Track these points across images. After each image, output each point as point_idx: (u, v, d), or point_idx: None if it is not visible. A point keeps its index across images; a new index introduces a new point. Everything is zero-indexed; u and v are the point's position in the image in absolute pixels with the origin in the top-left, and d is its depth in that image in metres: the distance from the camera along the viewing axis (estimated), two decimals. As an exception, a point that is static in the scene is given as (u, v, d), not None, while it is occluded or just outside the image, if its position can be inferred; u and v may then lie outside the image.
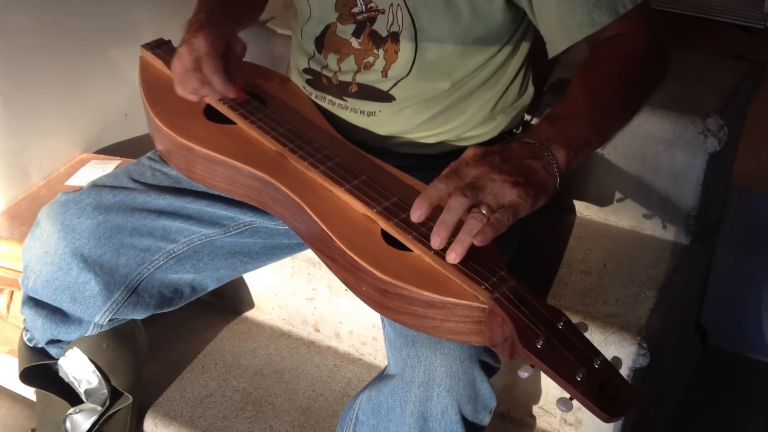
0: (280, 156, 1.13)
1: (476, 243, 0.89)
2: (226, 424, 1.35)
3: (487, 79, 1.21)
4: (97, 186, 1.22)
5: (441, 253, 0.93)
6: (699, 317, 1.78)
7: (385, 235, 0.99)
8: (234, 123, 1.20)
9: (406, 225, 0.97)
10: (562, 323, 0.86)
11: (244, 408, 1.38)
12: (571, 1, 1.06)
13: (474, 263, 0.92)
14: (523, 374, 0.85)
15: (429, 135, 1.24)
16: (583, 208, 1.47)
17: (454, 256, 0.90)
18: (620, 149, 1.38)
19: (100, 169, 1.53)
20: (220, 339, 1.55)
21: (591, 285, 1.29)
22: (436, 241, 0.90)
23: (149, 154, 1.29)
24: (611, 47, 1.08)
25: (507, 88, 1.25)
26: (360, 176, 1.06)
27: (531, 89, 1.31)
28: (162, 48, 1.35)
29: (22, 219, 1.45)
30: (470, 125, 1.24)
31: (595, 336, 1.20)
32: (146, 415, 1.38)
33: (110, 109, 1.67)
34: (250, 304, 1.60)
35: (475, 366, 0.98)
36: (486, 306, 0.89)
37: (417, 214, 0.91)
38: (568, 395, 0.83)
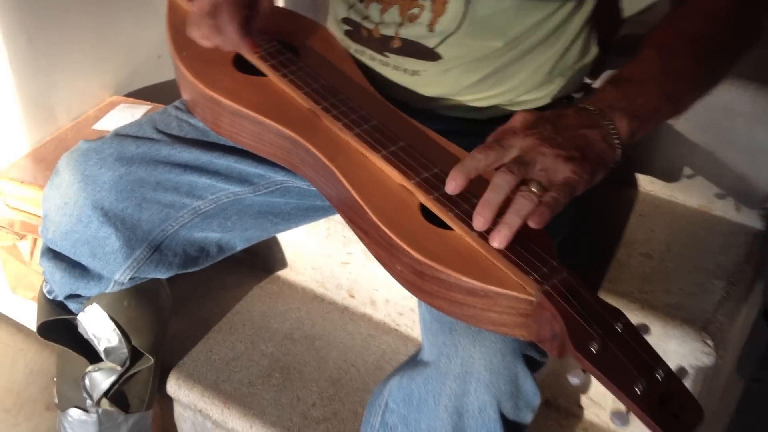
0: (313, 114, 1.03)
1: (531, 225, 0.79)
2: (252, 391, 1.28)
3: (545, 38, 1.09)
4: (120, 135, 1.14)
5: (485, 235, 0.83)
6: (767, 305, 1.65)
7: (424, 210, 0.90)
8: (265, 75, 1.10)
9: (448, 200, 0.87)
10: (620, 325, 0.76)
11: (271, 374, 1.31)
12: None
13: (522, 249, 0.81)
14: (574, 380, 0.76)
15: (478, 98, 1.12)
16: (646, 183, 1.35)
17: (499, 240, 0.79)
18: (692, 120, 1.24)
19: (129, 113, 1.45)
20: (250, 298, 1.47)
21: (652, 270, 1.18)
22: (479, 222, 0.80)
23: (176, 102, 1.20)
24: (694, 4, 0.94)
25: (567, 49, 1.12)
26: (398, 142, 0.95)
27: (595, 49, 1.17)
28: (189, -11, 1.25)
29: (47, 163, 1.38)
30: (524, 88, 1.12)
31: (655, 329, 1.09)
32: (170, 375, 1.32)
33: (142, 51, 1.58)
34: (283, 263, 1.52)
35: (518, 361, 0.88)
36: (534, 299, 0.79)
37: (452, 186, 0.82)
38: (624, 408, 0.73)
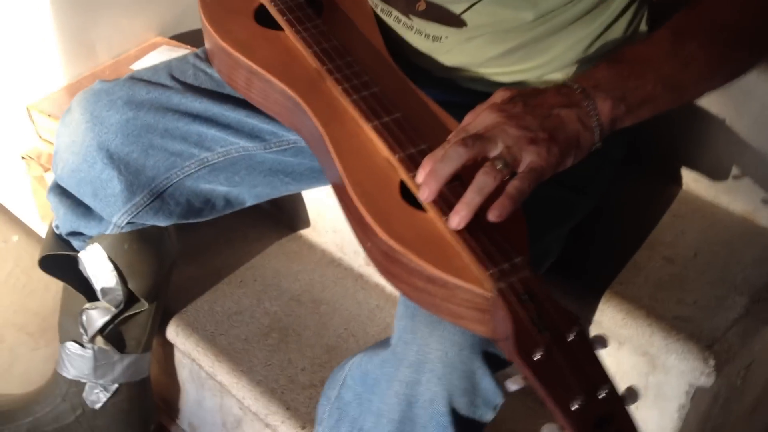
0: (318, 75, 0.98)
1: (491, 218, 0.74)
2: (245, 347, 1.27)
3: (583, 14, 1.00)
4: (133, 78, 1.13)
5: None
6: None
7: (405, 188, 0.85)
8: (281, 29, 1.06)
9: (426, 180, 0.82)
10: (573, 334, 0.69)
11: (268, 334, 1.30)
12: None
13: (488, 240, 0.76)
14: (511, 387, 0.70)
15: (503, 72, 1.05)
16: (691, 180, 1.24)
17: (457, 221, 0.75)
18: (744, 118, 1.13)
19: (168, 55, 1.44)
20: (268, 254, 1.45)
21: (670, 276, 1.09)
22: (425, 192, 0.76)
23: (198, 51, 1.18)
24: None
25: (609, 26, 1.03)
26: (394, 113, 0.90)
27: (645, 28, 1.08)
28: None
29: (79, 98, 1.39)
30: (555, 66, 1.04)
31: (656, 340, 1.01)
32: (170, 321, 1.33)
33: (190, -7, 1.56)
34: (306, 223, 1.49)
35: (476, 357, 0.83)
36: (490, 295, 0.73)
37: (421, 175, 0.77)
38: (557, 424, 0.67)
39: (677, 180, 1.25)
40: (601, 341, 0.71)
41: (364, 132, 0.91)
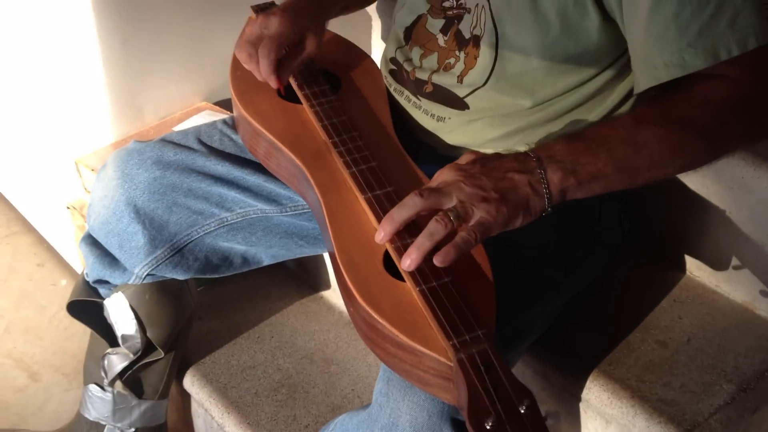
0: (326, 147, 1.06)
1: (436, 263, 0.80)
2: (255, 401, 1.33)
3: (579, 104, 1.05)
4: (164, 140, 1.22)
5: (426, 292, 0.82)
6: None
7: (389, 259, 0.90)
8: (301, 103, 1.14)
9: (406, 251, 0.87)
10: (524, 407, 0.73)
11: (278, 390, 1.35)
12: (662, 36, 0.89)
13: (455, 312, 0.80)
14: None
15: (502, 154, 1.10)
16: (694, 267, 1.26)
17: (408, 263, 0.82)
18: (743, 211, 1.16)
19: (210, 119, 1.54)
20: (287, 312, 1.52)
21: (661, 360, 1.10)
22: (379, 234, 0.85)
23: (227, 117, 1.27)
24: (693, 87, 0.89)
25: (606, 117, 1.07)
26: (387, 187, 0.97)
27: (642, 122, 1.12)
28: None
29: (122, 156, 1.50)
30: (551, 151, 1.09)
31: (638, 421, 1.03)
32: (188, 371, 1.39)
33: (236, 62, 1.66)
34: (328, 284, 1.55)
35: (444, 424, 0.87)
36: (452, 364, 0.78)
37: (379, 236, 0.86)
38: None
39: (681, 266, 1.28)
40: (554, 415, 0.75)
41: (359, 203, 0.97)
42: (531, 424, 0.72)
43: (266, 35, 1.08)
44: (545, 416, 0.74)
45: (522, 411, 0.73)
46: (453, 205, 0.81)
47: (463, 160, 0.87)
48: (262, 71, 1.08)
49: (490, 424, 0.72)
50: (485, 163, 0.85)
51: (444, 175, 0.84)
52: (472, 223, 0.81)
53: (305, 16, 1.12)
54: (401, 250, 0.87)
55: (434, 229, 0.80)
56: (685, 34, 0.89)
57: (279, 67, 1.09)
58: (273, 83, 1.09)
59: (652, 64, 0.91)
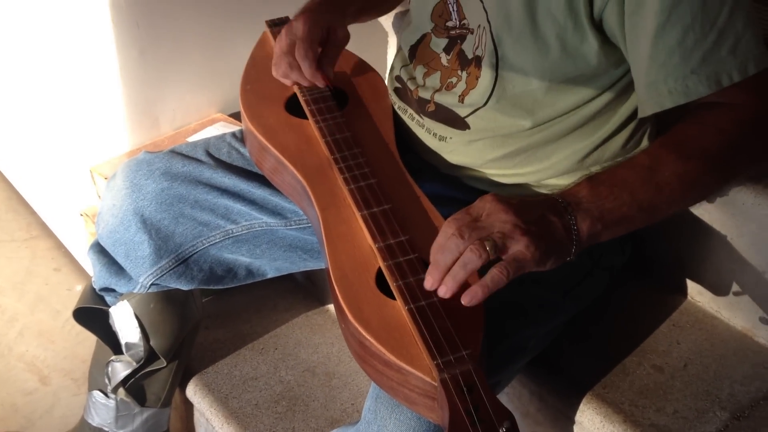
0: (328, 163, 1.07)
1: (464, 303, 0.80)
2: (254, 413, 1.34)
3: (580, 125, 1.06)
4: (174, 152, 1.24)
5: (414, 311, 0.84)
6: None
7: (381, 276, 0.91)
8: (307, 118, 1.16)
9: (398, 269, 0.88)
10: (504, 428, 0.74)
11: (278, 401, 1.36)
12: (665, 63, 0.90)
13: (442, 332, 0.81)
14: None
15: (503, 174, 1.11)
16: (696, 293, 1.26)
17: (444, 290, 0.82)
18: (744, 238, 1.15)
19: (224, 130, 1.56)
20: (293, 324, 1.53)
21: (656, 385, 1.10)
22: (428, 281, 0.83)
23: (236, 130, 1.29)
24: (703, 117, 0.90)
25: (607, 139, 1.08)
26: (384, 204, 0.98)
27: (646, 144, 1.12)
28: (282, 26, 1.34)
29: (136, 166, 1.52)
30: (552, 172, 1.09)
31: (629, 445, 1.03)
32: (191, 380, 1.41)
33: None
34: (333, 298, 1.56)
35: (430, 442, 0.88)
36: (436, 384, 0.79)
37: (429, 283, 0.84)
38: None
39: (682, 290, 1.28)
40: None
41: (356, 219, 0.98)
42: (510, 446, 0.73)
43: (297, 39, 1.13)
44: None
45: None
46: (492, 235, 0.79)
47: (493, 196, 0.85)
48: (306, 72, 1.13)
49: (470, 445, 0.73)
50: (522, 199, 0.83)
51: (483, 206, 0.82)
52: (507, 256, 0.79)
53: (325, 12, 1.17)
54: (393, 268, 0.89)
55: (469, 259, 0.79)
56: (688, 61, 0.90)
57: (320, 65, 1.14)
58: (320, 81, 1.14)
59: (656, 90, 0.91)
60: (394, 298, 0.88)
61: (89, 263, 1.29)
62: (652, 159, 0.89)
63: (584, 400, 1.09)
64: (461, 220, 0.82)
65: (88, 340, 1.82)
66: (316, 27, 1.13)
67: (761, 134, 0.90)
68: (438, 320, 0.82)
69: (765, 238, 1.13)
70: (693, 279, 1.26)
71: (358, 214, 0.97)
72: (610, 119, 1.07)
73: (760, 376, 1.12)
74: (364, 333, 0.84)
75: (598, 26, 0.96)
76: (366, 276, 0.91)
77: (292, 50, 1.13)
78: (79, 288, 1.99)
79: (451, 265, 0.81)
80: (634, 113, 1.07)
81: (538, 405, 1.16)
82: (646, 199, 0.86)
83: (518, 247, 0.79)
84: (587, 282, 1.11)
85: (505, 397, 1.19)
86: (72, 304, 1.94)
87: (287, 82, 1.18)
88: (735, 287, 1.20)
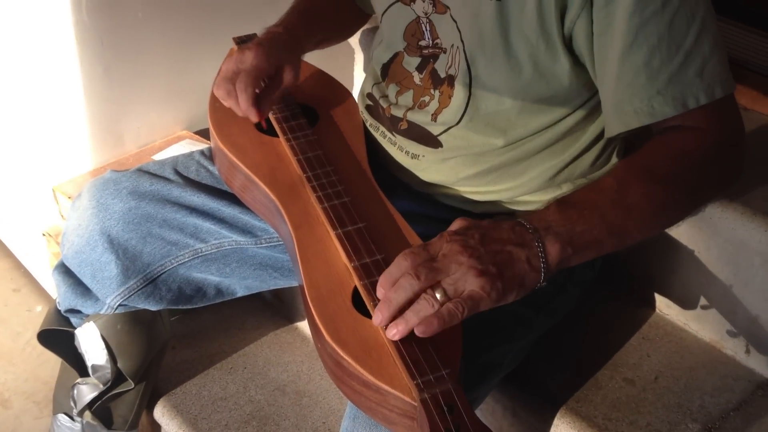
0: (300, 182, 1.07)
1: (417, 333, 0.79)
2: (224, 434, 1.32)
3: (551, 144, 1.07)
4: (141, 171, 1.22)
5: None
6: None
7: (357, 295, 0.91)
8: (278, 136, 1.15)
9: (375, 289, 0.87)
10: (486, 450, 0.74)
11: (249, 422, 1.34)
12: (632, 83, 0.91)
13: (421, 351, 0.81)
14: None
15: (475, 191, 1.12)
16: (664, 306, 1.28)
17: (394, 332, 0.80)
18: (712, 251, 1.17)
19: (189, 148, 1.55)
20: (261, 343, 1.52)
21: (628, 398, 1.11)
22: (377, 318, 0.81)
23: (204, 148, 1.28)
24: (667, 140, 0.92)
25: (578, 157, 1.09)
26: (358, 223, 0.97)
27: (615, 161, 1.14)
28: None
29: (99, 184, 1.50)
30: (525, 189, 1.10)
31: (604, 459, 1.04)
32: (158, 402, 1.39)
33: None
34: (302, 316, 1.55)
35: (409, 463, 0.87)
36: (416, 404, 0.78)
37: (380, 292, 0.82)
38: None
39: (651, 304, 1.29)
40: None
41: (330, 238, 0.98)
42: (492, 466, 0.73)
43: (242, 70, 1.09)
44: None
45: (484, 452, 0.74)
46: (445, 283, 0.79)
47: (456, 225, 0.84)
48: (242, 105, 1.09)
49: (451, 465, 0.72)
50: (484, 232, 0.82)
51: (441, 245, 0.81)
52: (463, 295, 0.78)
53: (279, 48, 1.13)
54: (369, 288, 0.88)
55: (421, 307, 0.78)
56: (654, 82, 0.91)
57: (258, 101, 1.10)
58: (253, 117, 1.10)
59: (623, 110, 0.92)
60: (370, 317, 0.87)
61: (54, 284, 1.26)
62: (619, 182, 0.89)
63: (558, 415, 1.09)
64: (418, 256, 0.80)
65: (50, 362, 1.79)
66: (265, 62, 1.10)
67: (725, 158, 0.92)
68: (416, 339, 0.82)
69: (732, 251, 1.15)
70: (661, 292, 1.28)
71: (332, 233, 0.97)
72: (580, 137, 1.08)
73: (729, 388, 1.14)
74: (341, 353, 0.84)
75: (569, 46, 0.97)
76: (342, 295, 0.91)
77: (234, 79, 1.09)
78: (39, 309, 1.95)
79: (403, 304, 0.79)
80: (603, 133, 1.08)
81: (512, 420, 1.16)
82: (616, 222, 0.86)
83: (473, 287, 0.78)
84: (560, 297, 1.11)
85: (478, 413, 1.19)
86: (32, 325, 1.91)
87: (224, 104, 1.14)
88: (703, 300, 1.22)
